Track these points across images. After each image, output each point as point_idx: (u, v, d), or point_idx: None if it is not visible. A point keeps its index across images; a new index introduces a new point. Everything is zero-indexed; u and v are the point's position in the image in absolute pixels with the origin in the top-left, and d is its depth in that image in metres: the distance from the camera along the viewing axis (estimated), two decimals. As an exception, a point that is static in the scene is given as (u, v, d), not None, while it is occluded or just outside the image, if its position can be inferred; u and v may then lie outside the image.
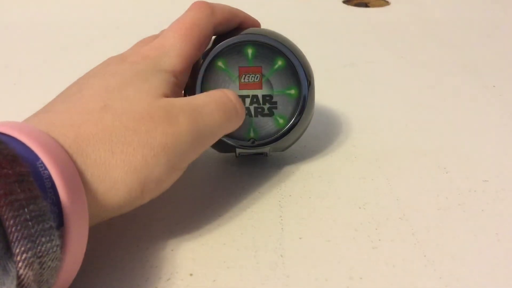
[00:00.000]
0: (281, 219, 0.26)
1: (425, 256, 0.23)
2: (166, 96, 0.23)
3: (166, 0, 0.68)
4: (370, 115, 0.38)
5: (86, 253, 0.19)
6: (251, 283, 0.22)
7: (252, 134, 0.29)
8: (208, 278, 0.22)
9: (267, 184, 0.29)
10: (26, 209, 0.15)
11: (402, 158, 0.32)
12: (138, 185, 0.20)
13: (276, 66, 0.28)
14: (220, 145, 0.29)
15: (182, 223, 0.26)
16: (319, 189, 0.29)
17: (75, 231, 0.18)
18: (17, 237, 0.15)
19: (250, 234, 0.25)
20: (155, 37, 0.27)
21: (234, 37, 0.27)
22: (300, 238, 0.25)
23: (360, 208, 0.27)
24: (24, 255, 0.15)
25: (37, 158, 0.17)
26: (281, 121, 0.29)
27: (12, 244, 0.15)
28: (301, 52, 0.29)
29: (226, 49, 0.28)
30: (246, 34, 0.28)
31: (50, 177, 0.17)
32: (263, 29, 0.29)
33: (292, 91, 0.28)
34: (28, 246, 0.15)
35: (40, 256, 0.16)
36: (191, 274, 0.22)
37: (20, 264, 0.15)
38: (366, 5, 0.68)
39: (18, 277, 0.15)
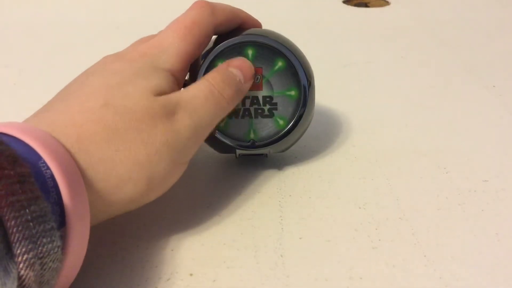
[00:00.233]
0: (281, 219, 0.26)
1: (425, 256, 0.23)
2: (165, 93, 0.23)
3: (166, 0, 0.68)
4: (370, 115, 0.38)
5: (86, 253, 0.19)
6: (251, 283, 0.22)
7: (252, 135, 0.29)
8: (208, 278, 0.22)
9: (267, 184, 0.29)
10: (27, 210, 0.15)
11: (402, 158, 0.32)
12: (144, 180, 0.21)
13: (276, 67, 0.28)
14: (220, 146, 0.29)
15: (182, 223, 0.26)
16: (319, 189, 0.29)
17: (76, 231, 0.18)
18: (18, 238, 0.15)
19: (250, 234, 0.25)
20: (152, 36, 0.27)
21: (235, 37, 0.27)
22: (300, 238, 0.25)
23: (360, 208, 0.27)
24: (25, 256, 0.15)
25: (39, 158, 0.17)
26: (281, 122, 0.29)
27: (13, 245, 0.15)
28: (301, 52, 0.29)
29: (227, 50, 0.28)
30: (246, 34, 0.28)
31: (52, 176, 0.17)
32: (264, 30, 0.29)
33: (292, 92, 0.28)
34: (29, 247, 0.15)
35: (41, 257, 0.16)
36: (191, 274, 0.22)
37: (21, 265, 0.15)
38: (366, 5, 0.68)
39: (19, 277, 0.15)
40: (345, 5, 0.68)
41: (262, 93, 0.28)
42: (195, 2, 0.27)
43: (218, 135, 0.28)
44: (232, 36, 0.28)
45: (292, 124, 0.29)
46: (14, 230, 0.15)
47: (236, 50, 0.28)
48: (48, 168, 0.17)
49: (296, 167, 0.31)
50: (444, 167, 0.31)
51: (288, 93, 0.28)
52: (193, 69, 0.28)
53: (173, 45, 0.25)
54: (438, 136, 0.35)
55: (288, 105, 0.28)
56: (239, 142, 0.29)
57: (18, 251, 0.15)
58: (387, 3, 0.68)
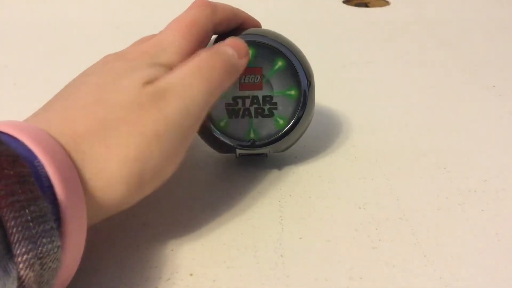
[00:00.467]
0: (281, 219, 0.26)
1: (425, 256, 0.23)
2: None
3: (166, 0, 0.68)
4: (370, 115, 0.38)
5: (86, 253, 0.19)
6: (251, 283, 0.22)
7: (252, 135, 0.29)
8: (208, 278, 0.22)
9: (267, 184, 0.29)
10: (27, 210, 0.15)
11: (402, 158, 0.32)
12: (135, 177, 0.20)
13: (276, 67, 0.28)
14: (220, 146, 0.29)
15: (182, 223, 0.26)
16: (319, 189, 0.29)
17: (73, 230, 0.18)
18: (18, 238, 0.15)
19: (250, 234, 0.25)
20: (154, 36, 0.27)
21: (235, 37, 0.27)
22: (300, 238, 0.25)
23: (360, 208, 0.27)
24: (25, 256, 0.15)
25: (34, 157, 0.17)
26: (281, 122, 0.29)
27: (13, 245, 0.15)
28: (301, 52, 0.29)
29: (226, 49, 0.28)
30: (246, 34, 0.28)
31: (47, 176, 0.17)
32: (264, 30, 0.29)
33: (292, 92, 0.28)
34: (29, 247, 0.15)
35: (41, 257, 0.16)
36: (191, 274, 0.22)
37: (21, 265, 0.15)
38: (366, 5, 0.68)
39: (19, 278, 0.15)
40: (345, 5, 0.68)
41: (262, 93, 0.28)
42: (195, 1, 0.27)
43: (218, 135, 0.28)
44: (231, 36, 0.28)
45: (292, 124, 0.29)
46: (14, 230, 0.15)
47: (236, 50, 0.28)
48: (43, 167, 0.17)
49: (296, 167, 0.31)
50: (444, 167, 0.31)
51: (288, 93, 0.28)
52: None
53: (173, 44, 0.24)
54: (438, 136, 0.35)
55: (288, 105, 0.28)
56: (239, 142, 0.29)
57: (18, 252, 0.15)
58: (387, 3, 0.68)
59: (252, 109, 0.28)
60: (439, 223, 0.26)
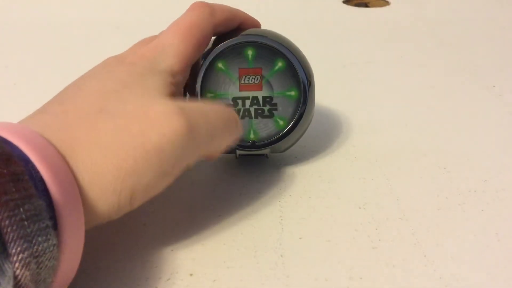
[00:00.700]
0: (281, 219, 0.26)
1: (425, 256, 0.23)
2: (164, 95, 0.23)
3: (166, 0, 0.68)
4: (370, 115, 0.38)
5: (86, 253, 0.19)
6: (251, 283, 0.22)
7: (252, 136, 0.29)
8: (208, 278, 0.22)
9: (267, 184, 0.29)
10: (21, 209, 0.15)
11: (402, 158, 0.32)
12: (127, 192, 0.20)
13: (276, 67, 0.28)
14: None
15: (182, 223, 0.26)
16: (319, 189, 0.29)
17: (70, 229, 0.17)
18: (13, 237, 0.15)
19: (250, 234, 0.25)
20: (154, 38, 0.27)
21: (234, 38, 0.27)
22: (300, 238, 0.25)
23: (360, 208, 0.27)
24: (21, 255, 0.15)
25: (29, 160, 0.17)
26: (281, 122, 0.29)
27: (8, 244, 0.15)
28: (301, 53, 0.29)
29: (226, 50, 0.28)
30: (246, 35, 0.28)
31: (42, 179, 0.17)
32: (263, 30, 0.29)
33: (292, 93, 0.28)
34: (24, 246, 0.15)
35: (37, 256, 0.16)
36: (191, 274, 0.22)
37: (16, 264, 0.15)
38: (366, 5, 0.68)
39: (15, 277, 0.15)
40: (345, 5, 0.68)
41: (262, 94, 0.28)
42: (194, 3, 0.26)
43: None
44: (231, 37, 0.28)
45: (292, 124, 0.29)
46: (9, 229, 0.15)
47: (236, 51, 0.28)
48: (37, 171, 0.17)
49: (296, 167, 0.31)
50: (444, 167, 0.31)
51: (288, 93, 0.28)
52: (193, 70, 0.28)
53: (173, 47, 0.24)
54: (438, 136, 0.35)
55: (288, 105, 0.28)
56: (239, 142, 0.29)
57: (13, 251, 0.15)
58: (387, 3, 0.68)
59: (252, 109, 0.28)
60: (439, 223, 0.26)
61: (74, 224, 0.18)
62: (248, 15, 0.29)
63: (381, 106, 0.39)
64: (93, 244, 0.21)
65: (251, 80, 0.28)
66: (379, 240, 0.25)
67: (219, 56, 0.28)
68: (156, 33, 0.28)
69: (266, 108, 0.28)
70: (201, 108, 0.23)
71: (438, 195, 0.28)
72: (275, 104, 0.28)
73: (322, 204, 0.27)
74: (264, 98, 0.28)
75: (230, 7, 0.28)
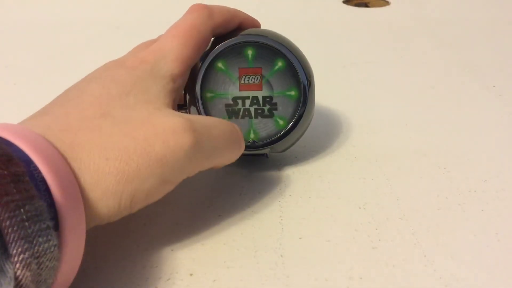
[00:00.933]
0: (281, 219, 0.26)
1: (425, 256, 0.23)
2: (168, 105, 0.23)
3: (166, 0, 0.68)
4: (370, 115, 0.38)
5: (86, 253, 0.19)
6: (251, 283, 0.22)
7: (252, 136, 0.29)
8: (208, 278, 0.22)
9: (267, 184, 0.29)
10: (22, 210, 0.15)
11: (402, 158, 0.32)
12: (128, 195, 0.20)
13: (276, 67, 0.28)
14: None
15: (182, 223, 0.26)
16: (319, 189, 0.29)
17: (70, 229, 0.17)
18: (13, 238, 0.15)
19: (250, 234, 0.25)
20: (153, 41, 0.27)
21: (234, 38, 0.27)
22: (300, 238, 0.25)
23: (360, 208, 0.27)
24: (22, 256, 0.15)
25: (31, 161, 0.17)
26: (281, 122, 0.29)
27: (9, 245, 0.15)
28: (301, 52, 0.29)
29: (226, 50, 0.28)
30: (246, 35, 0.28)
31: (43, 180, 0.17)
32: (263, 30, 0.29)
33: (292, 92, 0.28)
34: (25, 246, 0.15)
35: (38, 257, 0.16)
36: (191, 274, 0.22)
37: (17, 265, 0.15)
38: (366, 5, 0.68)
39: (16, 278, 0.15)
40: (345, 5, 0.68)
41: (262, 93, 0.28)
42: (192, 6, 0.26)
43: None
44: (231, 37, 0.28)
45: (292, 124, 0.29)
46: (10, 230, 0.15)
47: (236, 51, 0.28)
48: (39, 171, 0.17)
49: (296, 167, 0.31)
50: (444, 167, 0.31)
51: (288, 93, 0.28)
52: (193, 70, 0.28)
53: (173, 50, 0.24)
54: (438, 136, 0.35)
55: (288, 105, 0.28)
56: (239, 142, 0.28)
57: (14, 251, 0.15)
58: (387, 3, 0.68)
59: (252, 109, 0.28)
60: (439, 223, 0.26)
61: (75, 225, 0.18)
62: (247, 15, 0.29)
63: (381, 106, 0.39)
64: (93, 244, 0.21)
65: (251, 80, 0.28)
66: (379, 240, 0.25)
67: (219, 56, 0.28)
68: (156, 34, 0.28)
69: (266, 108, 0.28)
70: (206, 124, 0.23)
71: (438, 195, 0.28)
72: (275, 104, 0.28)
73: (322, 204, 0.27)
74: (264, 98, 0.28)
75: (229, 8, 0.28)
